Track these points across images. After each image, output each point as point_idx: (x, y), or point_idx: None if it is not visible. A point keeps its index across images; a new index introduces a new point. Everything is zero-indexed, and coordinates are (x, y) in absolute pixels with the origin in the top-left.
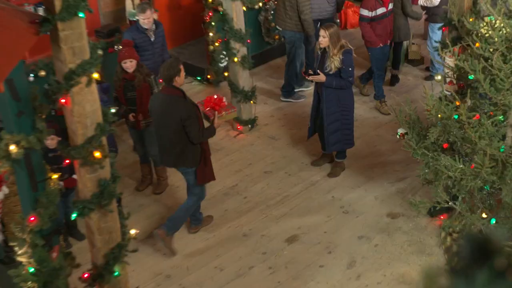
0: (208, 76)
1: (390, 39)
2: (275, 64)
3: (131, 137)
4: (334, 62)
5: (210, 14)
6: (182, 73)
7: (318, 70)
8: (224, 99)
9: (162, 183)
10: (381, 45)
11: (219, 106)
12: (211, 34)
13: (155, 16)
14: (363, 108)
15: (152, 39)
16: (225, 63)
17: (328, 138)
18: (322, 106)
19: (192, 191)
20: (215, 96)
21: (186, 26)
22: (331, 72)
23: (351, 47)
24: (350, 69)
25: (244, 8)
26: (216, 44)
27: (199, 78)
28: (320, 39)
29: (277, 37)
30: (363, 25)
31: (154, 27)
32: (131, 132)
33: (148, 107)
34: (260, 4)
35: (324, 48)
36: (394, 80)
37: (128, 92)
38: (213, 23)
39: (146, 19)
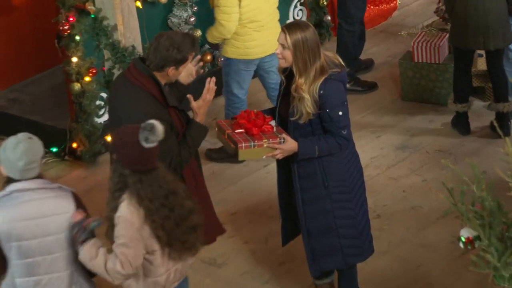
0: (74, 145)
1: None
2: (212, 104)
3: None
4: (305, 106)
5: (71, 19)
6: (184, 68)
7: (277, 129)
8: (273, 123)
9: None
10: None
11: (260, 129)
12: (74, 59)
13: None
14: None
15: None
16: (106, 116)
17: (310, 246)
18: (294, 185)
19: None
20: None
21: (24, 47)
22: (301, 121)
23: (343, 66)
24: (340, 113)
25: (139, 4)
26: (87, 78)
27: (54, 149)
28: (278, 51)
29: (209, 56)
30: None
31: None
32: None
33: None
34: None
35: (290, 69)
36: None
37: None
38: (77, 37)
39: None
